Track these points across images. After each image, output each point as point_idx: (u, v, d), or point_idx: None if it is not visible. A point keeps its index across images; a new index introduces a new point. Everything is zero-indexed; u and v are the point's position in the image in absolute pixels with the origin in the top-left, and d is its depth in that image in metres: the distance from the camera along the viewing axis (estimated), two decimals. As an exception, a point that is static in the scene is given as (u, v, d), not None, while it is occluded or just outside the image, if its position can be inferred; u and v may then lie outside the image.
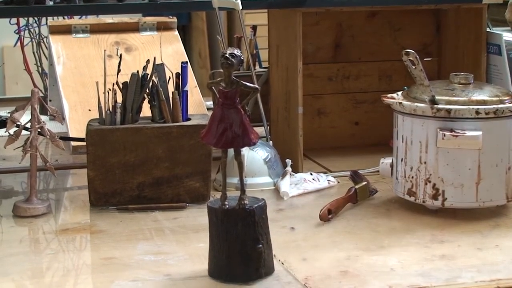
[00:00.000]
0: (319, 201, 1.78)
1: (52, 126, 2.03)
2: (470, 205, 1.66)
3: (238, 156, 1.40)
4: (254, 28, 2.53)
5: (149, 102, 1.77)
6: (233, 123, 1.34)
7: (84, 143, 1.80)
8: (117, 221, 1.68)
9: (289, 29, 2.02)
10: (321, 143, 2.24)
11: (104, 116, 1.76)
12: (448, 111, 1.63)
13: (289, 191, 1.83)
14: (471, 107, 1.63)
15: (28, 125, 1.75)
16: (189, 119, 1.80)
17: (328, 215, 1.65)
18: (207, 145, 1.67)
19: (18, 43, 2.87)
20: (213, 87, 1.39)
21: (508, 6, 2.17)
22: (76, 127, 2.22)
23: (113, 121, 1.76)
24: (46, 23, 2.66)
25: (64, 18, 2.66)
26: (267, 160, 1.91)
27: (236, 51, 1.33)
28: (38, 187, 1.91)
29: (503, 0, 2.10)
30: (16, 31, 2.85)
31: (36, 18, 2.78)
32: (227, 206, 1.38)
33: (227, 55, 1.32)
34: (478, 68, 2.08)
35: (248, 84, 1.35)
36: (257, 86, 1.40)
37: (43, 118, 1.84)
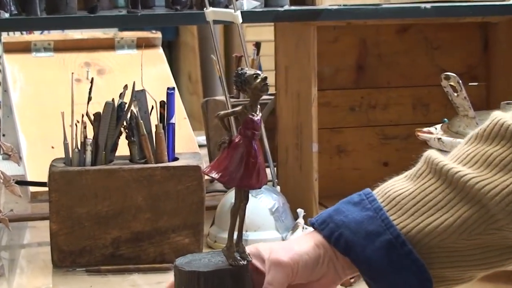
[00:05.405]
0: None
1: (6, 167, 2.03)
2: None
3: (246, 199, 1.39)
4: (257, 45, 2.55)
5: (126, 137, 1.78)
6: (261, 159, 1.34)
7: (46, 189, 1.81)
8: (87, 286, 1.68)
9: (300, 47, 2.03)
10: (341, 188, 2.24)
11: (70, 155, 1.77)
12: (499, 149, 1.63)
13: (301, 249, 1.83)
14: (527, 144, 1.63)
15: (-24, 166, 1.75)
16: (176, 159, 1.81)
17: (350, 279, 1.65)
18: (201, 192, 1.67)
19: (-35, 64, 2.89)
20: (226, 119, 1.37)
21: None
22: (36, 169, 2.23)
23: (82, 161, 1.76)
24: (0, 40, 2.67)
25: (22, 34, 2.68)
26: (273, 210, 1.91)
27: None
28: (-12, 243, 1.92)
29: None
30: (-37, 50, 2.88)
31: (-13, 34, 2.80)
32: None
33: (266, 76, 1.28)
34: (536, 95, 2.09)
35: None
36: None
37: (-5, 157, 1.85)
